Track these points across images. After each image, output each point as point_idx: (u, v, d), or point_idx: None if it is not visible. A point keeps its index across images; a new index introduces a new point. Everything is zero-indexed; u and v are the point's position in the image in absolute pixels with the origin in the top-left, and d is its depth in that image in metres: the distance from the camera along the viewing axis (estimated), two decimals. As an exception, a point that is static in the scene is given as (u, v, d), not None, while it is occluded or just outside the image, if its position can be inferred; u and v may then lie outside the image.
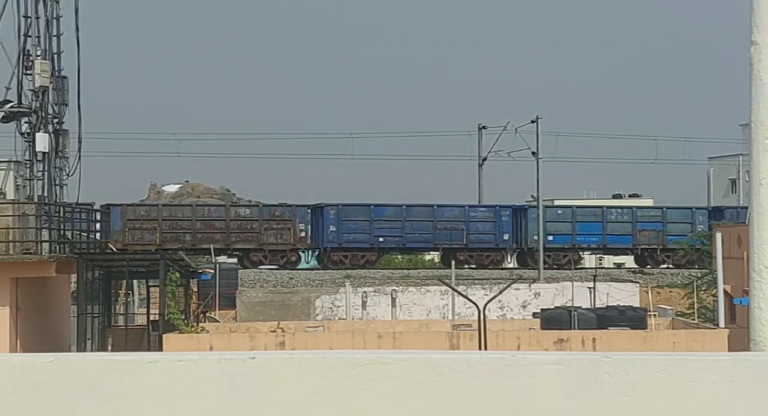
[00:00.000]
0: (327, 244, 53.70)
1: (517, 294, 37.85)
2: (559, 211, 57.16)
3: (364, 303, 36.09)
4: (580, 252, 57.54)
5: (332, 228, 53.61)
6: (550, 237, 54.94)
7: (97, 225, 33.73)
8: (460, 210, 55.89)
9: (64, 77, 30.25)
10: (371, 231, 54.09)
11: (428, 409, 5.62)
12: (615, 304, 32.83)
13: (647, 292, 37.24)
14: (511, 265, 57.36)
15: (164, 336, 26.43)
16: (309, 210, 54.30)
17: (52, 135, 29.67)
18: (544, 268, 51.13)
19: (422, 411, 5.62)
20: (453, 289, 32.05)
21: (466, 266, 53.62)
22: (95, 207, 39.03)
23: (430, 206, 55.87)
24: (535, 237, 53.70)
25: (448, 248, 54.94)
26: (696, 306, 38.39)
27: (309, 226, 53.98)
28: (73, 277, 29.58)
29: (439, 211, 55.50)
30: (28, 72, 29.42)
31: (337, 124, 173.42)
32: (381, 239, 54.33)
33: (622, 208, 60.37)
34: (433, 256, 65.85)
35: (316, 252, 55.34)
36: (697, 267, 49.48)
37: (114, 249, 32.80)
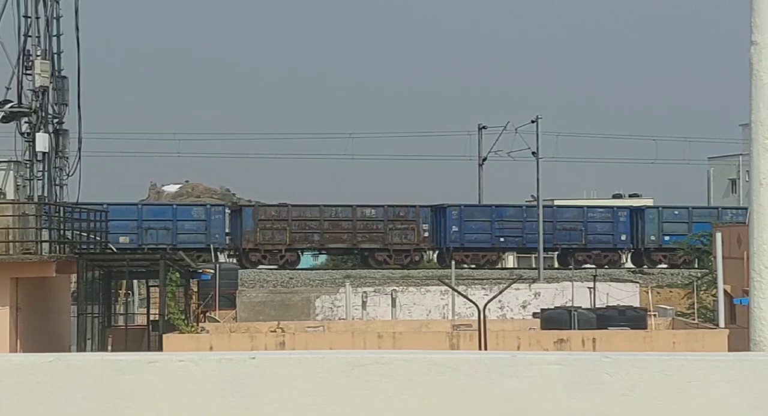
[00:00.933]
0: (449, 244, 54.88)
1: (517, 294, 37.87)
2: (676, 212, 57.91)
3: (364, 303, 36.10)
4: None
5: (454, 228, 54.92)
6: (666, 238, 55.99)
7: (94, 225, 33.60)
8: (578, 211, 57.58)
9: (64, 77, 30.24)
10: (492, 231, 55.39)
11: (428, 409, 5.62)
12: (615, 304, 32.83)
13: (647, 292, 37.24)
14: (627, 265, 58.49)
15: (164, 336, 26.43)
16: (431, 211, 55.73)
17: (52, 135, 29.67)
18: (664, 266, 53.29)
19: (422, 411, 5.62)
20: (453, 289, 32.05)
21: (584, 266, 54.87)
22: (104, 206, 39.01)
23: (549, 207, 57.61)
24: (653, 238, 55.48)
25: (567, 248, 56.65)
26: (696, 306, 38.40)
27: (431, 226, 55.49)
28: (73, 277, 29.57)
29: (558, 212, 57.29)
30: (28, 72, 29.42)
31: (337, 124, 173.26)
32: (502, 239, 55.72)
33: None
34: (434, 257, 65.92)
35: (437, 252, 57.09)
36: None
37: (114, 249, 32.78)
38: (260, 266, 53.88)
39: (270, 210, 54.61)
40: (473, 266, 54.58)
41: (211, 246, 49.17)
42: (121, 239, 52.20)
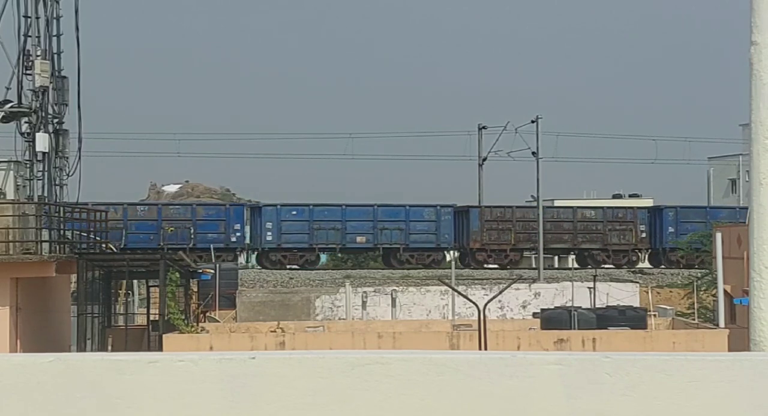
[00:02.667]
0: (665, 245, 55.91)
1: (517, 294, 37.87)
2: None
3: (364, 303, 36.10)
4: None
5: (671, 229, 55.98)
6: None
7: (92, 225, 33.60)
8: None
9: (64, 77, 30.23)
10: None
11: (428, 409, 5.62)
12: (615, 304, 32.82)
13: (647, 292, 37.24)
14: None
15: (164, 336, 26.43)
16: (648, 212, 57.19)
17: (52, 135, 29.66)
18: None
19: (422, 411, 5.62)
20: (453, 289, 32.04)
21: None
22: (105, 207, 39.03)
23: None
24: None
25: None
26: (696, 306, 38.40)
27: (648, 227, 56.64)
28: (73, 277, 29.57)
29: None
30: (28, 72, 29.41)
31: (337, 124, 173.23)
32: None
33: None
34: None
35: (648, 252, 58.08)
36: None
37: (114, 249, 32.78)
38: (485, 266, 54.80)
39: (495, 211, 56.08)
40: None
41: (211, 246, 49.16)
42: (358, 239, 54.07)
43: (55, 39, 29.93)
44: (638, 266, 56.64)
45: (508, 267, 54.63)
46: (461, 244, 55.87)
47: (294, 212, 54.70)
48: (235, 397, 5.65)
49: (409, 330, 29.70)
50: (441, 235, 55.02)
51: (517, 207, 57.35)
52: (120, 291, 33.11)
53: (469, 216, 55.49)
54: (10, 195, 28.67)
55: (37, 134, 29.20)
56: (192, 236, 52.69)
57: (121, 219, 51.26)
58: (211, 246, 49.36)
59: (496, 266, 54.89)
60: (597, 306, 32.72)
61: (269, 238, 53.93)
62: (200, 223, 53.39)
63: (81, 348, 27.46)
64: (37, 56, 29.35)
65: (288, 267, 53.73)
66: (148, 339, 28.47)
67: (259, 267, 54.88)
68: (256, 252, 55.37)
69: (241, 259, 55.60)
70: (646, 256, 58.21)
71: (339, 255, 61.48)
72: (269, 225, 54.07)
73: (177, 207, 56.57)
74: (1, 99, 29.32)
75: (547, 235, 54.79)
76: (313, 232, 54.02)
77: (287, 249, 54.15)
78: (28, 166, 29.41)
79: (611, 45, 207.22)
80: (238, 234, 53.69)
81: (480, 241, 55.05)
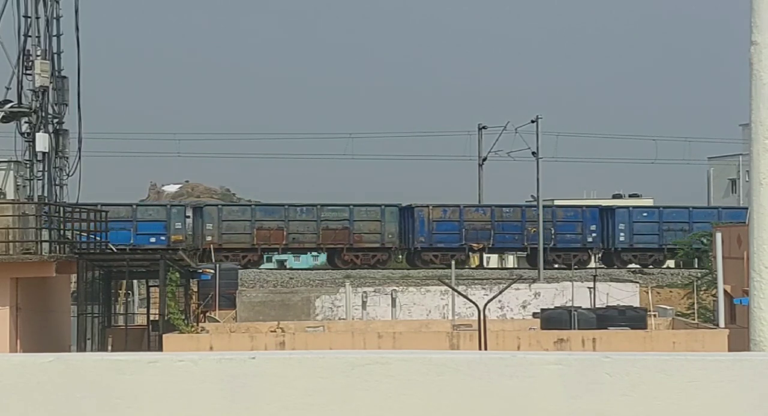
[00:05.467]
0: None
1: (517, 294, 37.84)
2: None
3: (364, 303, 36.08)
4: None
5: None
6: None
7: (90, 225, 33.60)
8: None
9: (64, 77, 30.23)
10: None
11: (428, 409, 5.62)
12: (615, 304, 32.81)
13: (647, 292, 37.21)
14: None
15: (164, 336, 26.43)
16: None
17: (52, 135, 29.66)
18: None
19: (422, 411, 5.62)
20: (453, 289, 32.03)
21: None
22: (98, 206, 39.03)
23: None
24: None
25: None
26: (696, 306, 38.39)
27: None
28: (73, 277, 29.56)
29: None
30: (28, 72, 29.40)
31: (337, 124, 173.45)
32: None
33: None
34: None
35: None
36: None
37: (114, 249, 32.77)
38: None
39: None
40: None
41: (206, 246, 49.16)
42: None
43: (55, 39, 29.93)
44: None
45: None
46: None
47: (645, 213, 57.52)
48: (235, 397, 5.65)
49: (409, 330, 29.69)
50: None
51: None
52: (120, 291, 33.10)
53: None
54: (10, 195, 28.66)
55: (37, 134, 29.20)
56: (553, 236, 55.37)
57: (489, 219, 55.62)
58: (212, 246, 49.36)
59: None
60: (597, 306, 32.71)
61: (621, 239, 56.39)
62: (559, 224, 55.80)
63: (81, 348, 27.45)
64: (37, 56, 29.34)
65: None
66: (148, 339, 28.46)
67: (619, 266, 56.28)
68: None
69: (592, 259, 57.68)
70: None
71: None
72: (622, 226, 56.44)
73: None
74: (1, 99, 29.32)
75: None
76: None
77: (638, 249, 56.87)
78: (28, 166, 29.40)
79: (611, 45, 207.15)
80: (594, 234, 56.14)
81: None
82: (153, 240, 52.75)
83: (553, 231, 55.70)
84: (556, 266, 55.52)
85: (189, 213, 54.71)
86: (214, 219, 53.73)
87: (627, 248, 56.82)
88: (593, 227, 55.09)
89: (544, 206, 58.83)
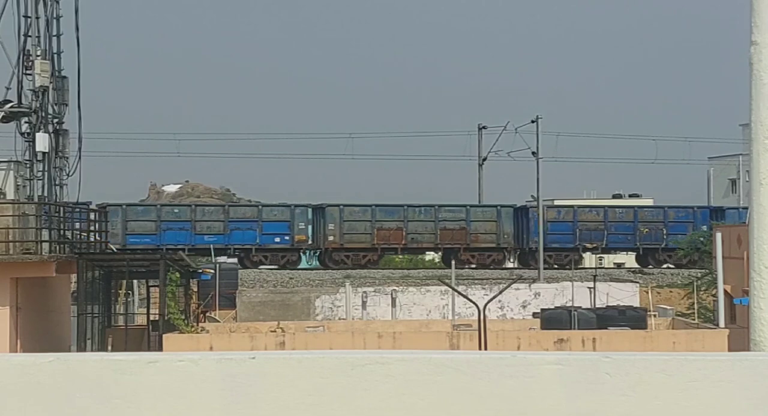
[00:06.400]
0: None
1: (517, 294, 37.84)
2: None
3: (364, 303, 36.08)
4: None
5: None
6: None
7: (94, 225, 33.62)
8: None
9: (64, 77, 30.22)
10: None
11: (428, 409, 5.62)
12: (615, 304, 32.81)
13: (647, 292, 37.20)
14: None
15: (164, 336, 26.43)
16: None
17: (52, 135, 29.65)
18: None
19: (422, 411, 5.62)
20: (453, 289, 32.03)
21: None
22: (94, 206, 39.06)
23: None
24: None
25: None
26: (696, 306, 38.38)
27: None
28: (73, 277, 29.56)
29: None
30: (28, 72, 29.39)
31: (337, 124, 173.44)
32: None
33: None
34: (433, 256, 65.90)
35: None
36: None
37: (114, 249, 32.78)
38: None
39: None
40: None
41: (211, 247, 49.19)
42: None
43: (55, 39, 29.92)
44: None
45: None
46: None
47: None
48: (235, 397, 5.65)
49: (409, 330, 29.69)
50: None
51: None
52: (120, 291, 33.11)
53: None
54: (10, 195, 28.66)
55: (37, 134, 29.19)
56: (664, 236, 55.97)
57: (602, 219, 56.39)
58: (212, 246, 49.39)
59: (557, 266, 55.06)
60: (597, 306, 32.71)
61: None
62: (671, 225, 56.35)
63: (81, 348, 27.45)
64: (37, 56, 29.34)
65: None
66: (148, 339, 28.46)
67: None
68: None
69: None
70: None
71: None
72: None
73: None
74: (1, 99, 29.31)
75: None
76: None
77: None
78: (28, 166, 29.39)
79: (611, 45, 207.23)
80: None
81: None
82: (278, 240, 54.05)
83: (665, 232, 56.16)
84: (665, 266, 55.72)
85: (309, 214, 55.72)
86: (335, 220, 54.61)
87: None
88: (704, 227, 55.15)
89: (656, 206, 59.67)
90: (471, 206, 56.79)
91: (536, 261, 54.37)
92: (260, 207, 55.75)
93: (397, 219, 55.10)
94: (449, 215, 55.26)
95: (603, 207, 58.01)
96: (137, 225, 53.20)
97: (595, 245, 54.59)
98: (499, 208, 56.34)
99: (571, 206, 58.30)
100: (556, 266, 54.86)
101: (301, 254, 56.47)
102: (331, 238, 54.22)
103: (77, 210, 30.70)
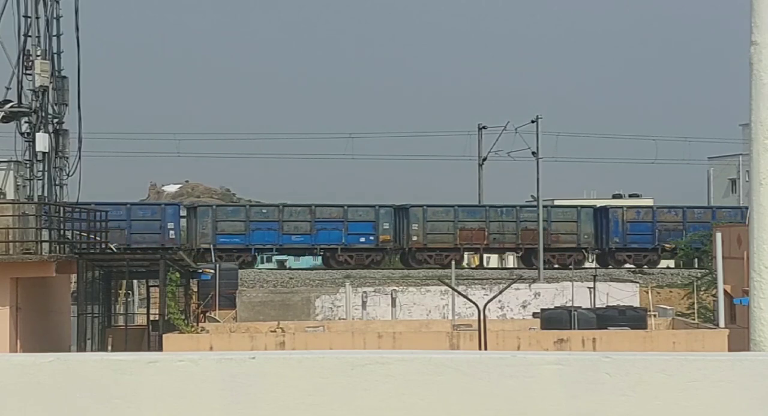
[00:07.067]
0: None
1: (517, 294, 37.82)
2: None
3: (364, 303, 36.07)
4: None
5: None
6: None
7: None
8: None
9: (64, 77, 30.21)
10: None
11: (428, 409, 5.62)
12: (615, 304, 32.79)
13: (647, 292, 37.19)
14: None
15: (164, 336, 26.42)
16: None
17: (52, 135, 29.65)
18: None
19: (422, 411, 5.62)
20: (453, 289, 32.02)
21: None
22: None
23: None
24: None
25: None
26: (696, 306, 38.37)
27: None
28: (73, 277, 29.56)
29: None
30: (28, 72, 29.39)
31: (337, 124, 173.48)
32: None
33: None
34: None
35: None
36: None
37: (114, 249, 32.77)
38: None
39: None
40: None
41: (212, 247, 49.19)
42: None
43: (55, 39, 29.92)
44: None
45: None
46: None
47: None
48: (235, 397, 5.65)
49: (409, 330, 29.69)
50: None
51: (657, 207, 57.97)
52: (120, 291, 33.10)
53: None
54: (10, 195, 28.66)
55: (37, 134, 29.19)
56: None
57: (680, 220, 56.23)
58: (212, 246, 49.36)
59: (635, 266, 55.33)
60: (597, 306, 32.70)
61: None
62: None
63: (81, 348, 27.45)
64: (37, 56, 29.33)
65: None
66: (148, 339, 28.46)
67: None
68: None
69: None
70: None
71: None
72: None
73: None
74: (1, 99, 29.31)
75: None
76: None
77: None
78: (28, 166, 29.39)
79: (611, 45, 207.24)
80: None
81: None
82: (362, 240, 54.71)
83: None
84: None
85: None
86: (419, 220, 55.24)
87: None
88: None
89: (733, 207, 59.97)
90: (552, 207, 57.85)
91: (616, 261, 54.94)
92: (346, 207, 55.99)
93: (479, 220, 56.02)
94: (530, 216, 55.98)
95: (682, 207, 58.17)
96: (227, 225, 53.96)
97: (674, 245, 54.87)
98: (579, 208, 57.35)
99: (650, 206, 58.85)
100: (633, 266, 55.42)
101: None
102: (414, 238, 55.02)
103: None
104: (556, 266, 55.12)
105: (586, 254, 57.06)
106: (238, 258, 52.00)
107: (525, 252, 57.05)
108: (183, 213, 54.98)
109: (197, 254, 53.30)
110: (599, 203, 66.38)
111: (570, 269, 53.78)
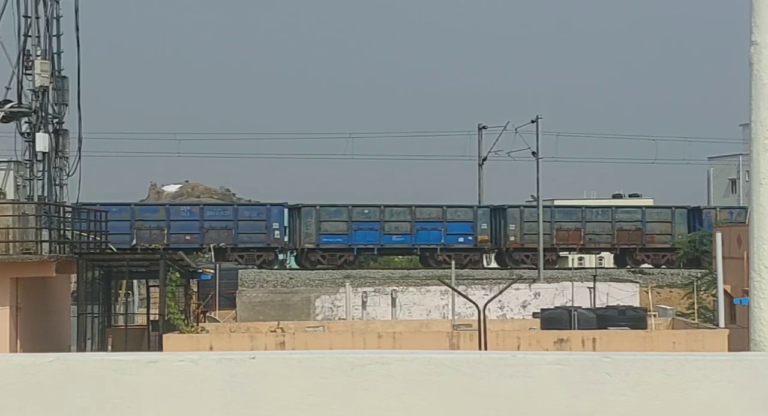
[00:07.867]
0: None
1: (517, 294, 37.81)
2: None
3: (364, 303, 36.06)
4: None
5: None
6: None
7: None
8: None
9: (64, 77, 30.21)
10: None
11: (428, 409, 5.62)
12: (615, 304, 32.78)
13: (647, 292, 37.19)
14: None
15: (164, 336, 26.42)
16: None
17: (52, 135, 29.65)
18: None
19: (422, 411, 5.62)
20: (453, 289, 32.01)
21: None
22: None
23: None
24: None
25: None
26: (696, 306, 38.37)
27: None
28: (73, 277, 29.56)
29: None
30: (28, 72, 29.39)
31: (337, 124, 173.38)
32: None
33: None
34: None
35: None
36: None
37: (113, 249, 32.77)
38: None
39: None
40: None
41: (210, 246, 49.18)
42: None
43: (55, 39, 29.92)
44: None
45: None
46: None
47: None
48: (235, 397, 5.65)
49: (409, 330, 29.68)
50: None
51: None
52: (120, 291, 33.09)
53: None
54: (10, 195, 28.66)
55: (37, 134, 29.19)
56: None
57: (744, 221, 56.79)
58: (212, 246, 49.37)
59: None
60: (597, 306, 32.70)
61: None
62: None
63: (81, 348, 27.45)
64: (37, 56, 29.33)
65: None
66: (148, 339, 28.45)
67: None
68: None
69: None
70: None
71: None
72: None
73: None
74: (1, 99, 29.31)
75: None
76: None
77: None
78: (28, 166, 29.39)
79: (611, 45, 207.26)
80: None
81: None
82: (461, 240, 55.60)
83: None
84: None
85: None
86: (516, 220, 56.09)
87: None
88: None
89: None
90: (647, 207, 58.90)
91: (708, 263, 55.16)
92: (445, 208, 56.67)
93: (575, 220, 56.99)
94: (625, 216, 56.94)
95: None
96: (330, 225, 54.60)
97: None
98: (673, 208, 58.02)
99: (744, 207, 58.94)
100: None
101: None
102: (512, 239, 55.80)
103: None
104: (650, 266, 55.84)
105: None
106: (341, 257, 52.78)
107: (620, 252, 58.00)
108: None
109: (300, 254, 54.13)
110: (598, 203, 66.51)
111: (661, 268, 54.82)
